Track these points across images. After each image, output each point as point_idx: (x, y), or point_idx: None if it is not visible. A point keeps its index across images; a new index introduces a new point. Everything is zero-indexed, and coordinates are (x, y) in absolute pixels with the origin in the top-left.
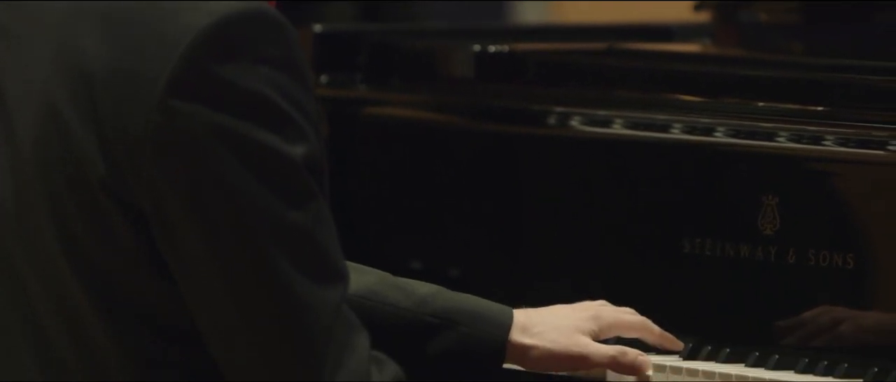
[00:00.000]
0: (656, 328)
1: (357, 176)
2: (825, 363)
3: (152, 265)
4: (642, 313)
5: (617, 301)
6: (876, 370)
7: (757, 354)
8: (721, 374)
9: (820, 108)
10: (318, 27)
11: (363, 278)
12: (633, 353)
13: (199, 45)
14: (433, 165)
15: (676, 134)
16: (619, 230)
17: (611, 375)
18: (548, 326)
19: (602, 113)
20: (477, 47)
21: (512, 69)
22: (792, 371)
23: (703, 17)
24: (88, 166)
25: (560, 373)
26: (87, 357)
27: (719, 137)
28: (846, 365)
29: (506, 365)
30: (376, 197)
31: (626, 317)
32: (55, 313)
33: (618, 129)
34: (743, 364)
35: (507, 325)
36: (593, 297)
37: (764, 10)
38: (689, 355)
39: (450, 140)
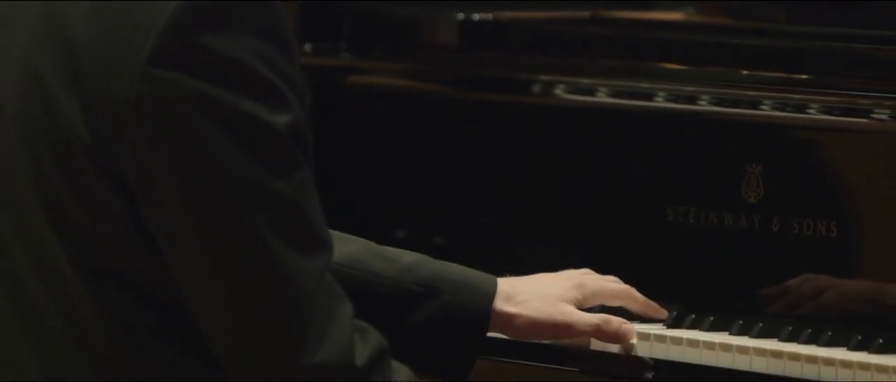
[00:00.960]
0: (640, 296)
1: (341, 144)
2: (809, 331)
3: (136, 233)
4: (626, 281)
5: (601, 269)
6: (859, 338)
7: (741, 322)
8: (705, 342)
9: (804, 77)
10: None
11: (347, 247)
12: (617, 322)
13: (183, 14)
14: (417, 134)
15: (660, 102)
16: (603, 198)
17: (595, 343)
18: (532, 295)
19: (586, 81)
20: (461, 15)
21: (496, 37)
22: (775, 340)
23: None
24: (72, 135)
25: (544, 341)
26: (73, 325)
27: (703, 105)
28: (830, 333)
29: (490, 334)
30: (360, 166)
31: (610, 286)
32: (40, 282)
33: (602, 98)
34: (727, 333)
35: (491, 294)
36: (577, 266)
37: None
38: (673, 323)
39: (434, 108)
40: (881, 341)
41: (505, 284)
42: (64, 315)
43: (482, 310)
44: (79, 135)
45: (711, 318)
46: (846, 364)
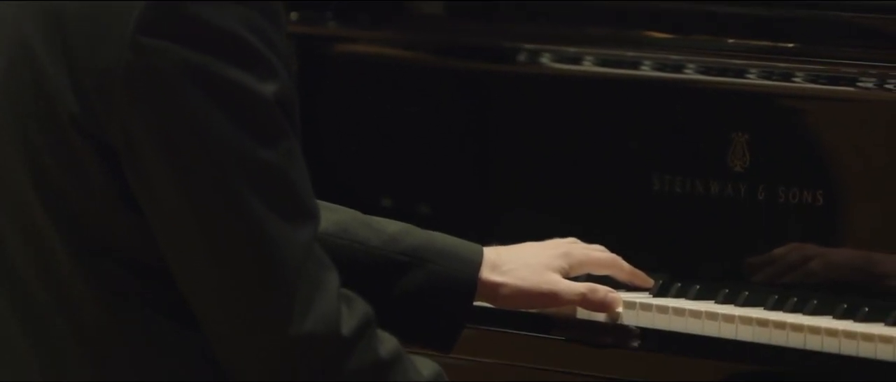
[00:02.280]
0: (626, 265)
1: (327, 113)
2: (795, 299)
3: (123, 201)
4: (612, 250)
5: (587, 238)
6: (845, 306)
7: (727, 291)
8: (691, 311)
9: (790, 45)
10: None
11: (333, 216)
12: (603, 290)
13: None
14: (403, 102)
15: (646, 71)
16: (589, 167)
17: (581, 312)
18: (518, 264)
19: (572, 50)
20: None
21: (482, 6)
22: (761, 308)
23: None
24: (59, 102)
25: (530, 310)
26: (60, 294)
27: (689, 74)
28: (816, 302)
29: (476, 303)
30: (346, 135)
31: (596, 255)
32: (25, 248)
33: (587, 66)
34: (713, 301)
35: (477, 263)
36: (564, 234)
37: None
38: (659, 292)
39: (420, 77)
40: (867, 309)
41: (491, 253)
42: (51, 285)
43: (468, 279)
44: (66, 104)
45: (697, 287)
46: (832, 333)
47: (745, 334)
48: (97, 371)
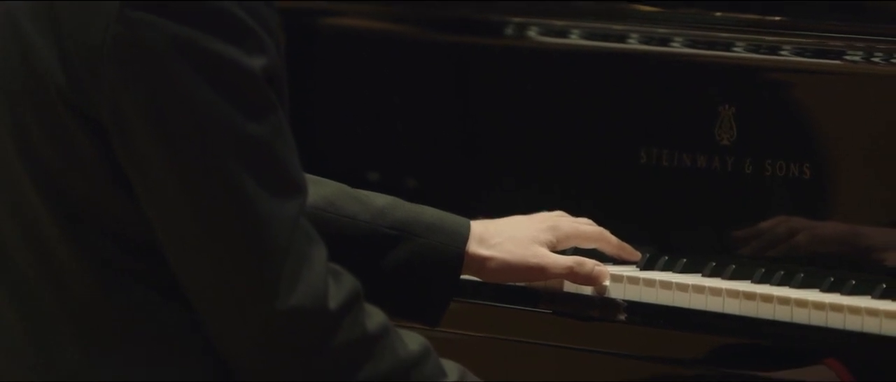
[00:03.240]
0: (613, 238)
1: (314, 86)
2: (781, 273)
3: (112, 177)
4: (599, 223)
5: (574, 211)
6: (832, 280)
7: (713, 264)
8: (678, 284)
9: (777, 18)
10: None
11: (321, 190)
12: (590, 264)
13: None
14: (391, 75)
15: (633, 44)
16: (577, 140)
17: (568, 286)
18: (505, 237)
19: (559, 23)
20: None
21: None
22: (748, 281)
23: None
24: (48, 78)
25: (517, 284)
26: (49, 269)
27: (676, 47)
28: (802, 275)
29: (463, 276)
30: (334, 108)
31: (584, 228)
32: (16, 227)
33: (575, 40)
34: (699, 274)
35: (464, 236)
36: (551, 208)
37: None
38: (646, 265)
39: (407, 50)
40: (854, 283)
41: (478, 227)
42: (40, 260)
43: (455, 253)
44: (54, 79)
45: (684, 260)
46: (819, 306)
47: (732, 307)
48: (86, 346)
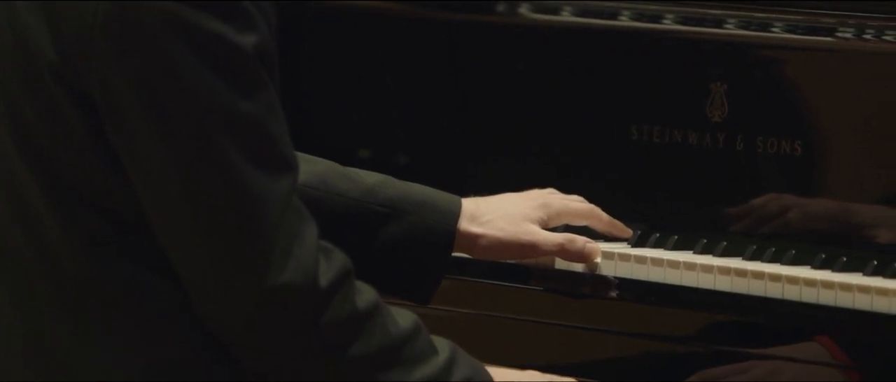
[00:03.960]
0: (604, 215)
1: (306, 64)
2: (772, 250)
3: (102, 153)
4: (591, 201)
5: (565, 188)
6: (823, 256)
7: (704, 241)
8: (669, 261)
9: None
10: None
11: (312, 168)
12: (581, 241)
13: None
14: (382, 53)
15: (625, 21)
16: (568, 117)
17: (559, 263)
18: (496, 214)
19: (550, 0)
20: None
21: None
22: (739, 258)
23: None
24: (39, 54)
25: (509, 261)
26: (37, 243)
27: (667, 24)
28: (793, 252)
29: (455, 254)
30: (325, 86)
31: (575, 205)
32: (6, 202)
33: (566, 17)
34: (690, 251)
35: (455, 214)
36: (542, 185)
37: None
38: (637, 242)
39: (398, 27)
40: (845, 259)
41: (469, 204)
42: (31, 237)
43: (447, 231)
44: (45, 55)
45: (675, 237)
46: (810, 283)
47: (724, 284)
48: (77, 324)
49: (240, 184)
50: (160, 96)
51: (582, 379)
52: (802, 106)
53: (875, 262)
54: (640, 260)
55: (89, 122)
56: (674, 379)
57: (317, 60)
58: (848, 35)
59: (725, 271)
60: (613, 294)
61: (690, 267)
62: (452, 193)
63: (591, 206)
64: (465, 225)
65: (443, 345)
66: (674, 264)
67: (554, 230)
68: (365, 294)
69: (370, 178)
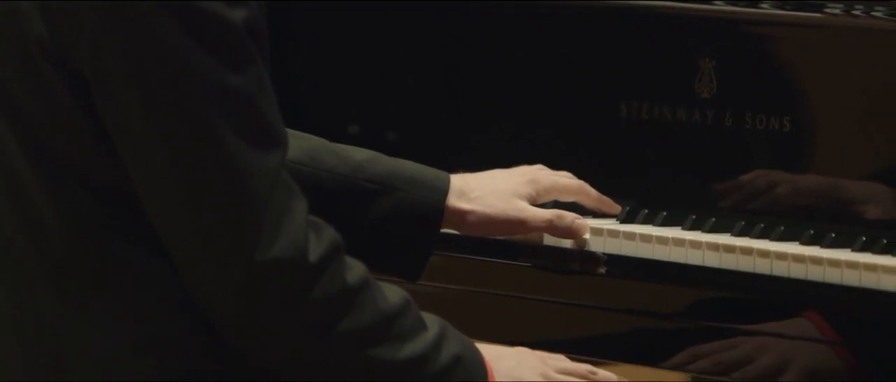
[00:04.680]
0: (593, 191)
1: (296, 40)
2: (761, 225)
3: (93, 129)
4: (580, 177)
5: (554, 165)
6: (812, 232)
7: (693, 217)
8: (658, 237)
9: None
10: None
11: (301, 144)
12: (570, 217)
13: None
14: (371, 29)
15: None
16: (557, 94)
17: (548, 239)
18: (485, 191)
19: None
20: None
21: None
22: (728, 234)
23: None
24: (29, 30)
25: (498, 237)
26: (28, 222)
27: (656, 0)
28: (782, 228)
29: (443, 230)
30: (314, 62)
31: (564, 181)
32: None
33: None
34: (679, 227)
35: (444, 190)
36: (531, 162)
37: None
38: (626, 218)
39: (387, 4)
40: (833, 235)
41: (458, 180)
42: (20, 213)
43: (435, 207)
44: (36, 31)
45: (664, 213)
46: (799, 259)
47: (712, 260)
48: (65, 299)
49: (229, 158)
50: (149, 70)
51: (571, 355)
52: (791, 82)
53: (863, 238)
54: (629, 236)
55: (79, 98)
56: (662, 355)
57: (307, 36)
58: (837, 10)
59: (714, 247)
60: (602, 270)
61: (679, 242)
62: (441, 170)
63: (580, 182)
64: (454, 201)
65: (432, 321)
66: (662, 240)
67: (543, 206)
68: (354, 269)
69: (359, 154)
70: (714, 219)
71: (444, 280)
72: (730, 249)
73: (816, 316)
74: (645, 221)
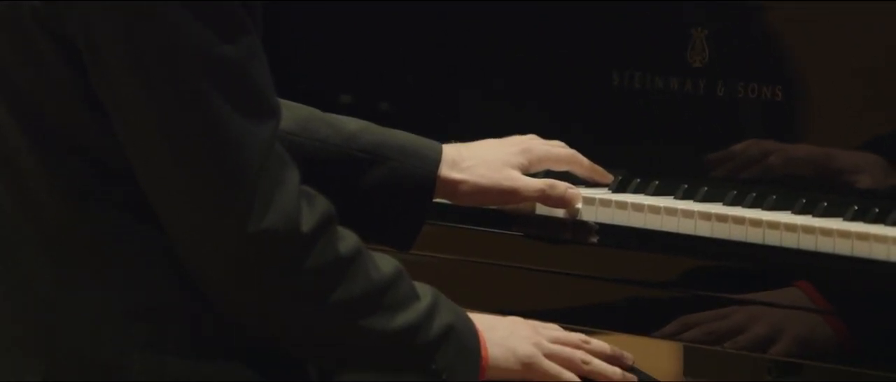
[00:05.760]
0: (586, 161)
1: (288, 10)
2: (753, 195)
3: (86, 99)
4: (572, 146)
5: (546, 134)
6: (804, 201)
7: (685, 186)
8: (650, 206)
9: None
10: None
11: (293, 114)
12: (562, 186)
13: None
14: None
15: None
16: (549, 63)
17: (540, 208)
18: (477, 160)
19: None
20: None
21: None
22: (720, 204)
23: None
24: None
25: (490, 207)
26: (21, 194)
27: None
28: (774, 197)
29: (436, 200)
30: (306, 32)
31: (556, 150)
32: None
33: None
34: (671, 197)
35: (436, 160)
36: (523, 131)
37: None
38: (618, 188)
39: None
40: (825, 204)
41: (451, 150)
42: (14, 185)
43: (428, 176)
44: (28, 0)
45: (656, 183)
46: (791, 228)
47: (704, 229)
48: (58, 268)
49: (221, 128)
50: (141, 40)
51: (563, 324)
52: (783, 51)
53: (855, 207)
54: (621, 205)
55: (72, 67)
56: (654, 324)
57: (299, 5)
58: None
59: (706, 216)
60: (594, 239)
61: (671, 212)
62: (434, 139)
63: (572, 152)
64: (447, 171)
65: (425, 291)
66: (654, 209)
67: (535, 175)
68: (347, 239)
69: (352, 124)
70: (706, 189)
71: (437, 249)
72: (722, 218)
73: (808, 285)
74: (637, 190)
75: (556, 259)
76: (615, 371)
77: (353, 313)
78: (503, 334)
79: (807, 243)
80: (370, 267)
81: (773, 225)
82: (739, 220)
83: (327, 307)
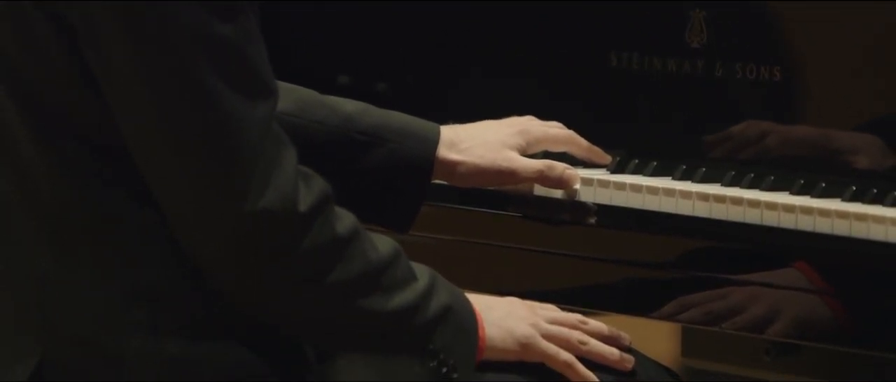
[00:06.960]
0: (584, 141)
1: None
2: (751, 175)
3: (82, 80)
4: (570, 127)
5: (544, 115)
6: (802, 182)
7: (684, 167)
8: (648, 187)
9: None
10: None
11: (290, 95)
12: (560, 167)
13: None
14: None
15: None
16: (547, 43)
17: (538, 189)
18: (475, 141)
19: None
20: None
21: None
22: (718, 184)
23: None
24: None
25: (488, 188)
26: (18, 173)
27: None
28: (772, 178)
29: (434, 181)
30: (304, 12)
31: (554, 131)
32: None
33: None
34: (670, 178)
35: (434, 141)
36: (521, 113)
37: None
38: (617, 168)
39: None
40: (823, 185)
41: (448, 131)
42: (10, 165)
43: (426, 158)
44: None
45: (654, 163)
46: (789, 209)
47: (702, 210)
48: (54, 251)
49: (218, 107)
50: (137, 20)
51: (561, 305)
52: (782, 32)
53: (853, 188)
54: (619, 186)
55: (69, 49)
56: (653, 305)
57: None
58: None
59: (704, 197)
60: (592, 220)
61: (669, 193)
62: (432, 121)
63: (570, 133)
64: (444, 152)
65: (422, 272)
66: (653, 190)
67: (533, 157)
68: (344, 219)
69: (349, 106)
70: (704, 169)
71: (435, 230)
72: (720, 199)
73: (806, 265)
74: (635, 171)
75: (554, 240)
76: (613, 351)
77: (351, 293)
78: (501, 314)
79: (805, 224)
80: (368, 248)
81: (772, 206)
82: (737, 201)
83: (324, 287)
